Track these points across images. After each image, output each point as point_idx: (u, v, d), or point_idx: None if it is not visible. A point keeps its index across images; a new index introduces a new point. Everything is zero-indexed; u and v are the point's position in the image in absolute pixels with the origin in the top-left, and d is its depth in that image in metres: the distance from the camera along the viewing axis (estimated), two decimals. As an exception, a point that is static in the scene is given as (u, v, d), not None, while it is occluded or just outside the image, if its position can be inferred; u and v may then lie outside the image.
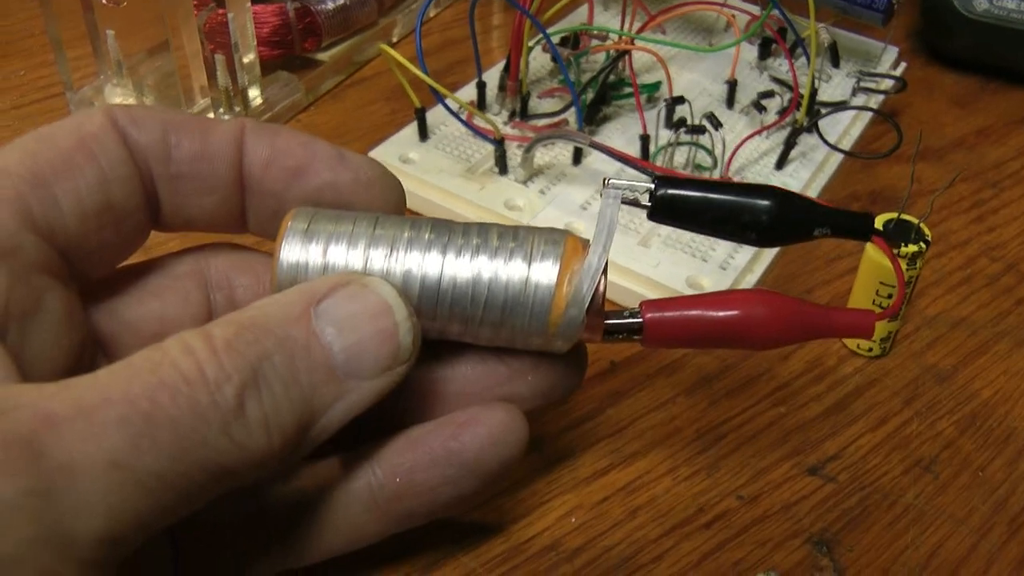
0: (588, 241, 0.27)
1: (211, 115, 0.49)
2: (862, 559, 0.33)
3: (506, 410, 0.28)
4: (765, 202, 0.28)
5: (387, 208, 0.30)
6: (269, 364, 0.23)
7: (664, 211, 0.29)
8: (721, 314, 0.28)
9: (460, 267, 0.27)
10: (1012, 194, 0.50)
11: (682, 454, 0.36)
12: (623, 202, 0.29)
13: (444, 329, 0.27)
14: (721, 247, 0.42)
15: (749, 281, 0.42)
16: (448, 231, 0.27)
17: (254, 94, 0.50)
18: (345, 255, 0.27)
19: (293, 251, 0.27)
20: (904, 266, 0.37)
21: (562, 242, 0.27)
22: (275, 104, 0.51)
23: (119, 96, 0.50)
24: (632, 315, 0.29)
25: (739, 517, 0.34)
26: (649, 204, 0.29)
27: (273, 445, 0.23)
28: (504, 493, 0.35)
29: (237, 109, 0.49)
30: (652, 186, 0.29)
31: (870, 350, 0.40)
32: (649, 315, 0.29)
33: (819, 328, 0.29)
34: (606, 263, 0.27)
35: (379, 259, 0.27)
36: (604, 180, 0.29)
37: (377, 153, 0.46)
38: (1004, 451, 0.37)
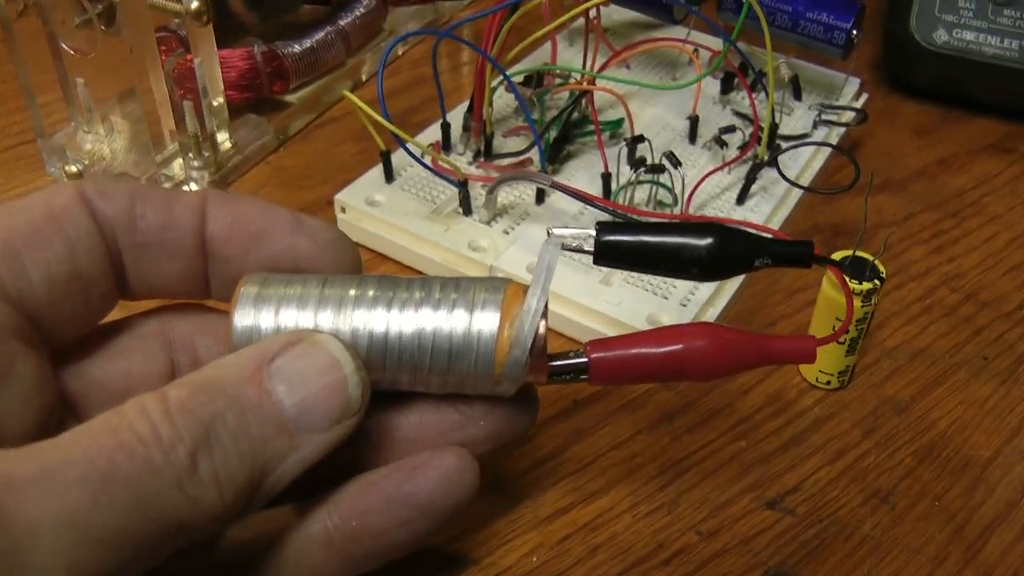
0: (528, 287, 0.28)
1: (180, 160, 0.50)
2: (819, 592, 0.34)
3: (457, 454, 0.29)
4: (704, 240, 0.29)
5: (343, 269, 0.31)
6: (221, 422, 0.24)
7: (607, 256, 0.30)
8: (663, 349, 0.29)
9: (405, 321, 0.28)
10: (972, 224, 0.51)
11: (643, 491, 0.37)
12: (569, 249, 0.30)
13: (395, 380, 0.29)
14: (682, 284, 0.43)
15: (710, 316, 0.43)
16: (393, 286, 0.29)
17: (223, 138, 0.51)
18: (295, 317, 0.28)
19: (246, 316, 0.28)
20: (859, 303, 0.38)
21: (502, 289, 0.28)
22: (244, 147, 0.52)
23: (90, 143, 0.51)
24: (577, 355, 0.30)
25: (698, 552, 0.35)
26: (592, 250, 0.30)
27: (226, 499, 0.24)
28: (466, 533, 0.35)
29: (207, 154, 0.50)
30: (593, 233, 0.29)
31: (828, 383, 0.41)
32: (594, 355, 0.29)
33: (761, 356, 0.30)
34: (546, 306, 0.28)
35: (327, 319, 0.28)
36: (548, 231, 0.30)
37: (344, 196, 0.47)
38: (960, 480, 0.38)
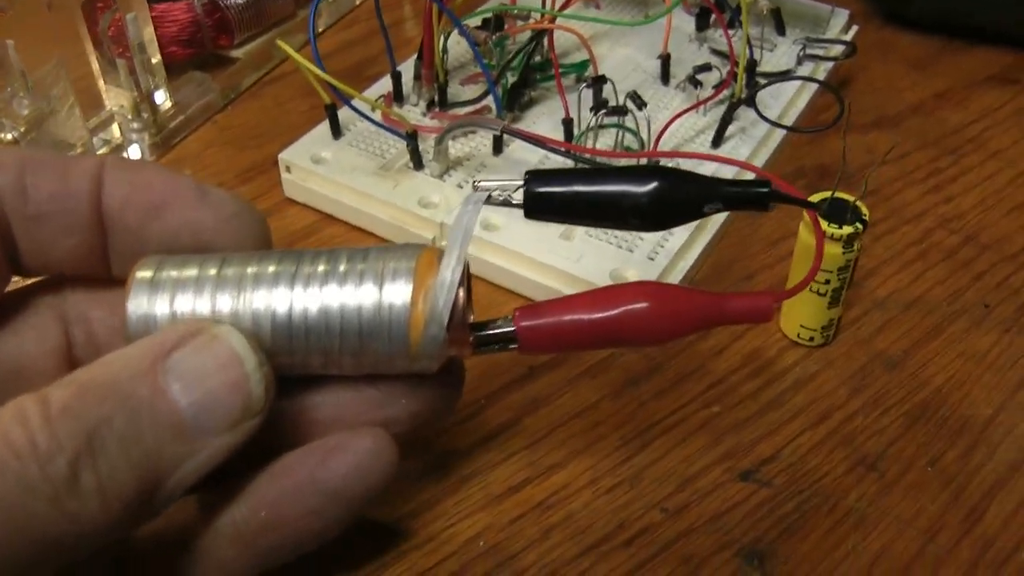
0: (442, 252, 0.25)
1: (117, 122, 0.47)
2: (797, 571, 0.31)
3: (373, 436, 0.27)
4: (644, 187, 0.26)
5: (249, 244, 0.28)
6: (108, 427, 0.22)
7: (539, 209, 0.27)
8: (600, 315, 0.26)
9: (309, 299, 0.25)
10: (972, 160, 0.47)
11: (604, 464, 0.34)
12: (497, 204, 0.26)
13: (306, 363, 0.26)
14: (649, 236, 0.39)
15: (680, 269, 0.39)
16: (296, 261, 0.26)
17: (162, 98, 0.47)
18: (192, 303, 0.25)
19: (140, 304, 0.25)
20: (840, 250, 0.34)
21: (415, 256, 0.25)
22: (187, 107, 0.48)
23: (27, 109, 0.48)
24: (504, 323, 0.26)
25: (663, 532, 0.32)
26: (522, 203, 0.26)
27: (111, 513, 0.22)
28: (409, 515, 0.32)
29: (145, 115, 0.47)
30: (522, 183, 0.26)
31: (811, 339, 0.37)
32: (523, 323, 0.26)
33: (711, 317, 0.27)
34: (465, 272, 0.25)
35: (226, 302, 0.25)
36: (473, 183, 0.27)
37: (288, 154, 0.43)
38: (957, 442, 0.34)
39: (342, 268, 0.25)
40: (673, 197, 0.26)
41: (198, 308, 0.25)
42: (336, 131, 0.44)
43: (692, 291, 0.27)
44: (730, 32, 0.46)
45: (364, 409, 0.27)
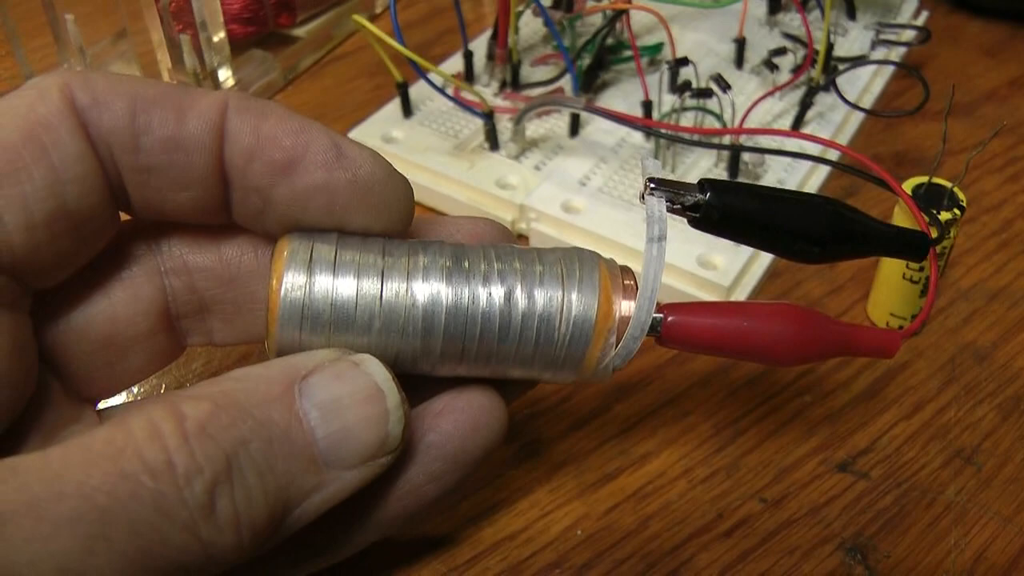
0: (613, 262, 0.25)
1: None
2: (901, 566, 0.30)
3: (482, 392, 0.26)
4: (824, 219, 0.25)
5: (391, 217, 0.25)
6: (245, 452, 0.20)
7: (714, 223, 0.25)
8: (745, 324, 0.25)
9: (486, 297, 0.24)
10: (1049, 149, 0.46)
11: (698, 453, 0.33)
12: (671, 211, 0.25)
13: (469, 372, 0.25)
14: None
15: (765, 258, 0.38)
16: (464, 256, 0.24)
17: (225, 75, 0.47)
18: (355, 285, 0.23)
19: (296, 281, 0.23)
20: (934, 234, 0.33)
21: (597, 270, 0.24)
22: (249, 85, 0.48)
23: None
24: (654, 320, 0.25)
25: (763, 522, 0.31)
26: (696, 214, 0.25)
27: (243, 542, 0.20)
28: (501, 504, 0.31)
29: (208, 92, 0.46)
30: (701, 195, 0.24)
31: (901, 328, 0.37)
32: (670, 318, 0.25)
33: (842, 348, 0.26)
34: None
35: (395, 287, 0.23)
36: (646, 183, 0.24)
37: (357, 133, 0.43)
38: (1054, 436, 0.34)
39: (517, 268, 0.24)
40: (845, 240, 0.26)
41: (364, 288, 0.23)
42: (407, 110, 0.43)
43: (830, 320, 0.26)
44: (805, 14, 0.45)
45: None
